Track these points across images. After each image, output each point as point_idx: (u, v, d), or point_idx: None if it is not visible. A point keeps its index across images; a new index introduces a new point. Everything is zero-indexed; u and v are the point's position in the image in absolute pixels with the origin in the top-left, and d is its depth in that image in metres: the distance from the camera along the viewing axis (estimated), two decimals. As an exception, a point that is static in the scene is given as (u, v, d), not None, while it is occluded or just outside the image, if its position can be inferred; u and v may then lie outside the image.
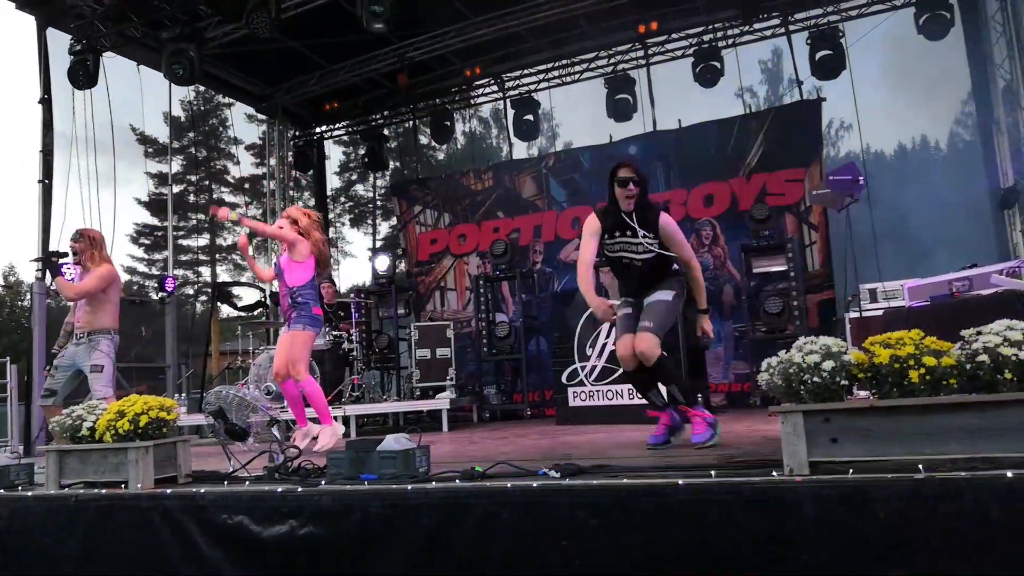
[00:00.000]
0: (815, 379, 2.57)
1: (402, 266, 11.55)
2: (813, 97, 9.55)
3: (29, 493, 3.72)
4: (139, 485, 3.51)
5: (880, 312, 5.15)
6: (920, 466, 2.36)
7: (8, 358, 7.62)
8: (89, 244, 5.20)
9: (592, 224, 4.10)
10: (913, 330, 2.61)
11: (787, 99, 16.89)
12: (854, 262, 5.48)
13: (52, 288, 7.58)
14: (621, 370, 4.35)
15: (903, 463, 2.43)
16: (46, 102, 8.39)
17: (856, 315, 5.22)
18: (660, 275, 4.10)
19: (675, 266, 4.16)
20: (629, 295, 4.20)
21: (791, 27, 9.37)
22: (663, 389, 4.14)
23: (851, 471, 2.46)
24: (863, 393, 2.75)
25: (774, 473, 2.59)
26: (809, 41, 8.98)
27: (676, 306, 4.08)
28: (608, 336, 6.29)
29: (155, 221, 26.42)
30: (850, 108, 9.80)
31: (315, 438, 4.72)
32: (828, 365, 2.57)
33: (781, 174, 8.94)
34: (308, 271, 4.86)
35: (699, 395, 6.07)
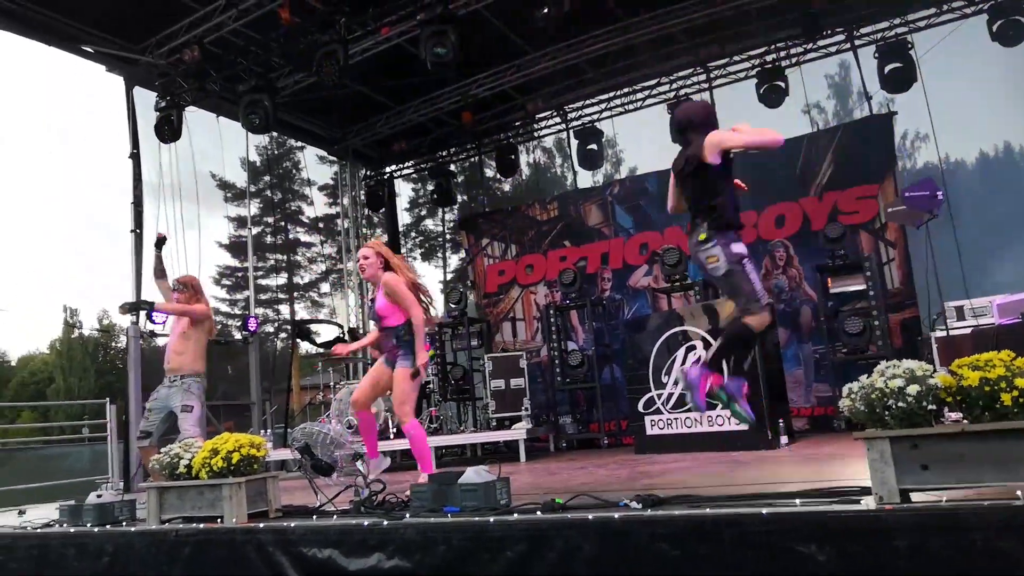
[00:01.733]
0: (900, 404, 2.52)
1: (472, 298, 11.71)
2: (884, 111, 9.33)
3: (132, 528, 3.92)
4: (234, 519, 3.66)
5: (968, 331, 4.95)
6: (1018, 492, 2.28)
7: (108, 399, 8.04)
8: (193, 292, 5.53)
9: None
10: (1003, 351, 2.53)
11: (857, 113, 16.52)
12: (936, 279, 5.30)
13: (146, 332, 8.00)
14: None
15: (999, 489, 2.35)
16: (135, 156, 8.91)
17: (943, 334, 5.03)
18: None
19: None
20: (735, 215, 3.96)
21: (857, 42, 9.21)
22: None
23: (944, 499, 2.40)
24: (954, 416, 2.67)
25: (862, 502, 2.54)
26: (877, 55, 8.80)
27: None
28: (684, 363, 6.23)
29: (235, 262, 27.53)
30: (925, 119, 9.53)
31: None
32: (913, 389, 2.51)
33: (853, 191, 8.70)
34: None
35: (780, 420, 5.97)
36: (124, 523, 4.09)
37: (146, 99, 9.20)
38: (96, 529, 3.97)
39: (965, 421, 2.51)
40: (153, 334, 8.06)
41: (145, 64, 8.81)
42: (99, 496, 4.20)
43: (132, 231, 8.67)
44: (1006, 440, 2.35)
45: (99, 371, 29.47)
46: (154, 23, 8.50)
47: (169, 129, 8.95)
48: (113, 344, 30.29)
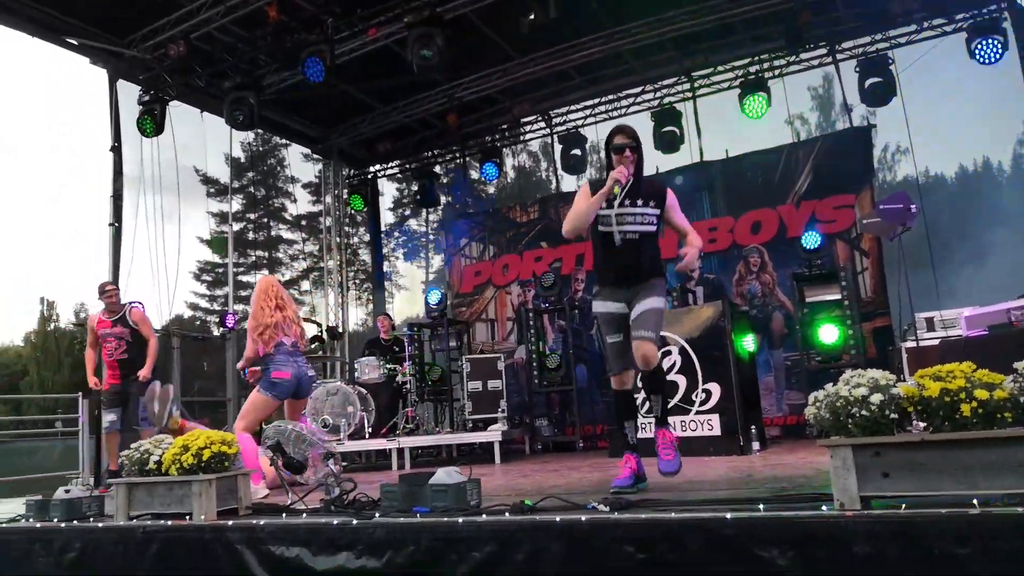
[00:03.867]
0: (863, 412, 2.56)
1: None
2: (864, 124, 9.44)
3: (100, 524, 3.89)
4: (203, 517, 3.65)
5: (937, 342, 5.03)
6: (975, 501, 2.32)
7: (80, 393, 7.96)
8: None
9: (585, 193, 3.90)
10: (964, 362, 2.58)
11: (839, 124, 16.74)
12: (908, 290, 5.38)
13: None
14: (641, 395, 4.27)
15: (957, 498, 2.39)
16: (116, 150, 8.84)
17: (913, 345, 5.11)
18: (653, 261, 3.91)
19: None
20: (615, 280, 3.94)
21: (838, 55, 9.33)
22: (637, 425, 4.06)
23: (903, 506, 2.44)
24: (922, 425, 2.71)
25: (824, 508, 2.57)
26: (858, 69, 8.91)
27: (665, 312, 3.94)
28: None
29: (216, 258, 27.36)
30: (905, 133, 9.69)
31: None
32: (876, 399, 2.56)
33: (830, 200, 8.83)
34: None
35: (753, 427, 6.03)
36: (92, 519, 4.06)
37: (130, 93, 9.14)
38: (63, 525, 3.94)
39: (927, 431, 2.55)
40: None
41: (130, 58, 8.76)
42: (67, 491, 4.16)
43: (111, 224, 8.61)
44: (964, 450, 2.40)
45: (74, 365, 29.11)
46: (140, 17, 8.45)
47: (152, 123, 8.89)
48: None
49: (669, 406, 4.07)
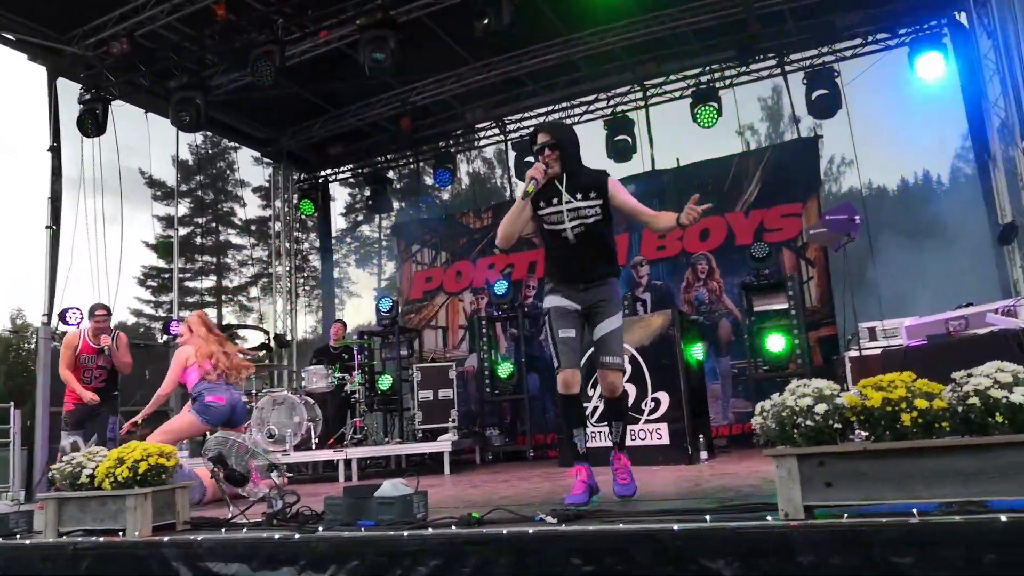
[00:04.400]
0: (808, 422, 2.57)
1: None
2: (812, 134, 9.64)
3: (27, 541, 3.72)
4: (137, 532, 3.51)
5: (879, 351, 5.15)
6: (915, 510, 2.35)
7: (12, 403, 7.65)
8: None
9: (521, 204, 3.83)
10: (905, 372, 2.62)
11: (788, 135, 17.11)
12: (852, 300, 5.50)
13: (58, 334, 7.66)
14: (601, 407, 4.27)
15: (899, 507, 2.42)
16: (55, 150, 8.53)
17: (855, 354, 5.22)
18: (607, 256, 3.88)
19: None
20: (567, 277, 3.87)
21: (787, 67, 9.54)
22: (587, 433, 3.97)
23: (846, 515, 2.45)
24: (864, 434, 2.74)
25: (769, 518, 2.58)
26: (805, 81, 9.11)
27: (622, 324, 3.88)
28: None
29: (162, 264, 26.65)
30: (850, 144, 9.93)
31: None
32: (821, 408, 2.57)
33: (778, 209, 9.00)
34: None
35: (701, 435, 6.07)
36: (19, 535, 3.88)
37: (71, 90, 8.85)
38: (-13, 541, 3.75)
39: (869, 440, 2.58)
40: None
41: (70, 55, 8.48)
42: (-7, 506, 3.97)
43: (48, 227, 8.29)
44: (905, 459, 2.42)
45: (8, 373, 28.05)
46: (82, 13, 8.21)
47: (93, 123, 8.63)
48: (25, 345, 28.90)
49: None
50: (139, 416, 5.70)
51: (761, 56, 9.46)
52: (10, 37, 8.29)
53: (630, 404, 6.03)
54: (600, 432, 6.20)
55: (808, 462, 2.57)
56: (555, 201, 3.80)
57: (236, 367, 5.77)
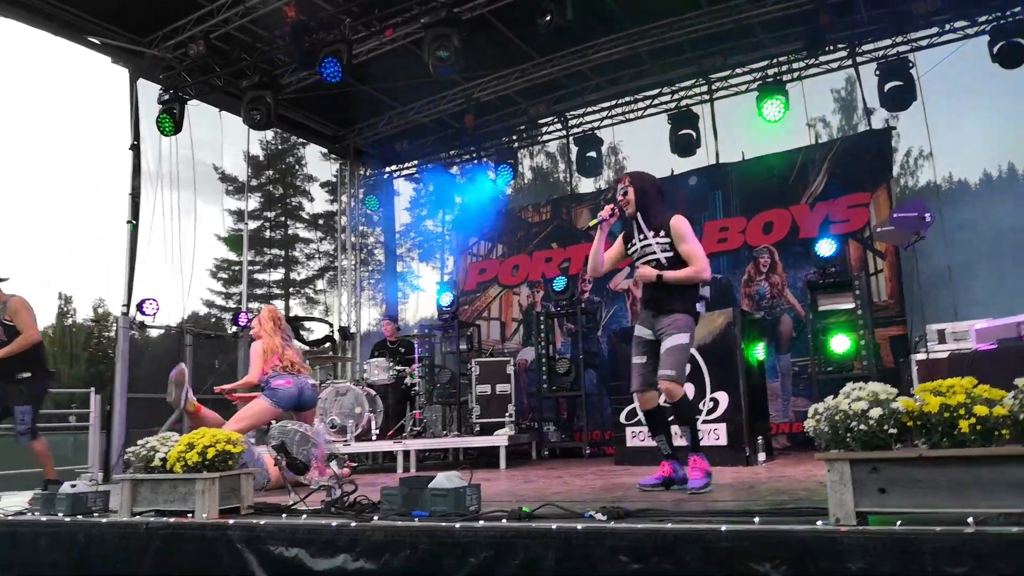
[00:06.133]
0: (862, 427, 2.53)
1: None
2: (885, 127, 9.32)
3: (104, 519, 3.94)
4: (204, 515, 3.68)
5: (947, 354, 4.96)
6: (970, 519, 2.29)
7: (92, 388, 8.07)
8: None
9: (619, 244, 4.58)
10: (966, 377, 2.54)
11: (862, 127, 16.55)
12: (921, 300, 5.31)
13: (136, 324, 8.05)
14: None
15: (954, 516, 2.35)
16: (136, 148, 8.95)
17: (923, 357, 5.03)
18: (673, 292, 4.25)
19: (699, 289, 4.34)
20: (644, 306, 4.41)
21: (859, 58, 9.23)
22: (675, 433, 4.46)
23: (899, 523, 2.40)
24: (922, 441, 2.67)
25: (819, 522, 2.54)
26: (878, 72, 8.81)
27: (690, 346, 4.28)
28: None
29: (232, 256, 27.55)
30: (926, 137, 9.57)
31: None
32: (875, 413, 2.52)
33: (845, 199, 8.72)
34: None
35: (760, 437, 5.98)
36: (96, 514, 4.11)
37: (149, 92, 9.25)
38: (68, 519, 3.99)
39: (924, 446, 2.51)
40: (144, 326, 8.09)
41: (150, 57, 8.86)
42: (73, 486, 4.21)
43: (128, 222, 8.71)
44: (961, 467, 2.36)
45: (90, 360, 29.49)
46: (161, 17, 8.57)
47: (171, 122, 8.99)
48: (105, 334, 30.32)
49: (698, 433, 4.38)
50: (231, 386, 6.02)
51: (831, 47, 9.19)
52: (95, 41, 8.73)
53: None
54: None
55: (861, 467, 2.52)
56: (634, 240, 4.41)
57: (297, 362, 6.03)
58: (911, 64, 8.72)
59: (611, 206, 4.32)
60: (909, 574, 2.26)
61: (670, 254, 4.24)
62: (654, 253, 4.29)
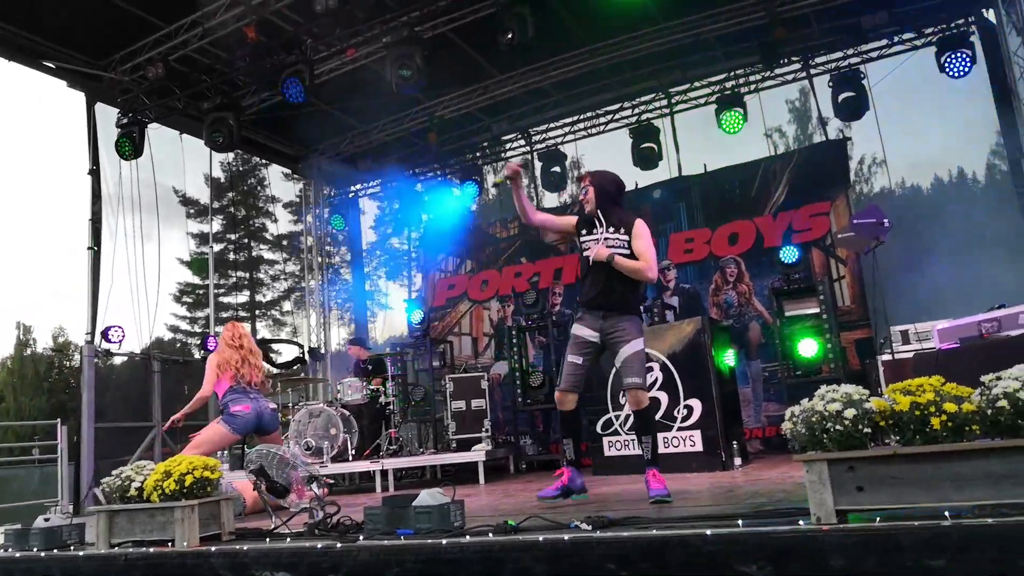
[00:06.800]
0: (837, 427, 2.60)
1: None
2: (840, 136, 9.59)
3: (81, 553, 3.86)
4: (185, 543, 3.63)
5: (911, 354, 5.11)
6: (946, 513, 2.37)
7: (59, 419, 7.88)
8: None
9: (571, 217, 4.61)
10: (934, 376, 2.64)
11: (816, 137, 16.96)
12: (883, 303, 5.47)
13: (101, 352, 7.89)
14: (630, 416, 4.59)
15: (931, 510, 2.44)
16: (95, 173, 8.80)
17: (888, 358, 5.18)
18: (625, 290, 4.34)
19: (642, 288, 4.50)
20: (590, 304, 4.39)
21: (812, 71, 9.52)
22: (570, 445, 4.47)
23: (878, 519, 2.48)
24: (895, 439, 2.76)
25: (801, 522, 2.61)
26: (831, 84, 9.08)
27: (644, 349, 4.34)
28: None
29: (197, 280, 27.11)
30: (879, 145, 9.87)
31: None
32: (850, 413, 2.60)
33: (806, 209, 8.99)
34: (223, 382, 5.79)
35: (734, 442, 6.07)
36: (72, 547, 4.02)
37: (108, 115, 9.11)
38: (43, 554, 3.90)
39: (898, 444, 2.60)
40: (108, 353, 7.93)
41: (108, 80, 8.74)
42: (47, 520, 4.12)
43: (89, 248, 8.55)
44: (935, 463, 2.45)
45: (51, 390, 28.70)
46: (118, 40, 8.45)
47: (130, 146, 8.87)
48: (67, 363, 29.57)
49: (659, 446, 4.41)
50: (179, 413, 5.85)
51: (786, 60, 9.44)
52: (51, 65, 8.58)
53: (662, 412, 6.06)
54: (632, 440, 6.24)
55: (838, 467, 2.60)
56: (585, 232, 4.44)
57: (256, 380, 5.91)
58: (863, 75, 9.01)
59: (518, 162, 4.44)
60: (891, 568, 2.34)
61: (626, 252, 4.30)
62: (609, 247, 4.35)
